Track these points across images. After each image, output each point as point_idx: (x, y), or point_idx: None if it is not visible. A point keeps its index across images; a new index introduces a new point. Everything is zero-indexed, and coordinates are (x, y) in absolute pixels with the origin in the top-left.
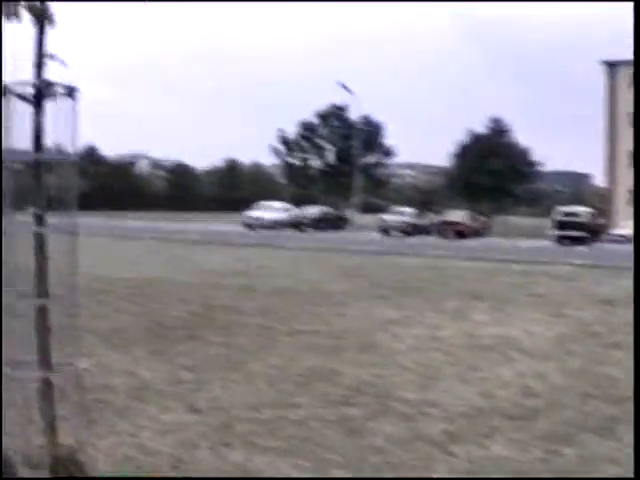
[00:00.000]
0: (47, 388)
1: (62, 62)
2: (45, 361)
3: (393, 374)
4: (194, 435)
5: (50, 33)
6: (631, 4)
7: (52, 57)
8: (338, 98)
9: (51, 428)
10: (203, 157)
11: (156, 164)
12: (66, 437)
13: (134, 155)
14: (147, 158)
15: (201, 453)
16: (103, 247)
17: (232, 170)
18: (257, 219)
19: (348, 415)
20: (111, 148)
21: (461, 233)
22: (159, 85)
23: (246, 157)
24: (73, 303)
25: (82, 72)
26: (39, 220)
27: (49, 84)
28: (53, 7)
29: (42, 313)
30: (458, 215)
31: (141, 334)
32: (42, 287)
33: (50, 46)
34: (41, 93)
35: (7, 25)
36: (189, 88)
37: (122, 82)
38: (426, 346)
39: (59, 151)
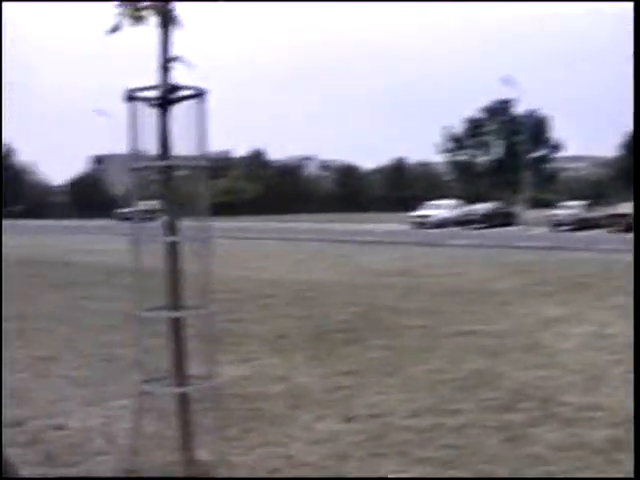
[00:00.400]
0: (183, 402)
1: (188, 64)
2: (181, 375)
3: (557, 376)
4: (346, 445)
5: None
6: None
7: (178, 59)
8: (503, 93)
9: (187, 444)
10: (370, 157)
11: (324, 166)
12: (203, 453)
13: (302, 158)
14: (315, 160)
15: (351, 465)
16: (272, 250)
17: (399, 169)
18: (426, 217)
19: (509, 421)
20: (279, 151)
21: (631, 226)
22: (321, 87)
23: (412, 155)
24: (210, 313)
25: (241, 75)
26: (170, 228)
27: (175, 87)
28: (186, 7)
29: (176, 325)
30: (628, 207)
31: (303, 339)
32: (175, 298)
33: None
34: (167, 97)
35: (131, 29)
36: (351, 89)
37: (286, 85)
38: (592, 345)
39: (188, 156)
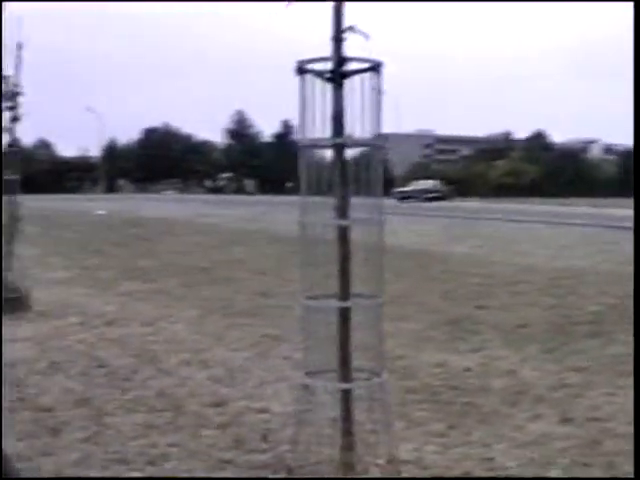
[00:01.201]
0: (347, 400)
1: (364, 35)
2: (346, 370)
3: None
4: (554, 451)
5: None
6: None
7: (353, 29)
8: None
9: (348, 444)
10: None
11: (608, 149)
12: (367, 455)
13: (585, 141)
14: (599, 143)
15: (552, 473)
16: (539, 234)
17: None
18: None
19: None
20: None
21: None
22: (608, 69)
23: None
24: (378, 304)
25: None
26: (341, 210)
27: (349, 60)
28: None
29: (344, 317)
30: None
31: (543, 329)
32: (345, 288)
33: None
34: (341, 70)
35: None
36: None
37: (573, 67)
38: None
39: (362, 136)
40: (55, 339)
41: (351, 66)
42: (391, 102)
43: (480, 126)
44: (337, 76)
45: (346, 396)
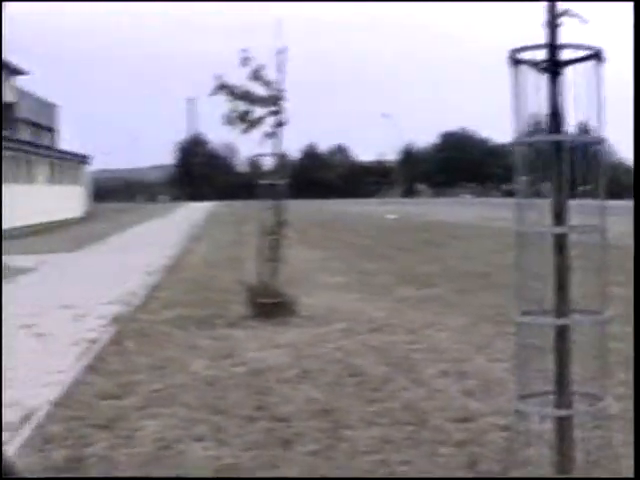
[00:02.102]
0: (564, 428)
1: (582, 19)
2: (563, 395)
3: None
4: None
5: None
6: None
7: (569, 13)
8: None
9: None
10: None
11: None
12: None
13: None
14: None
15: None
16: None
17: None
18: None
19: None
20: None
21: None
22: None
23: None
24: (603, 320)
25: None
26: (558, 215)
27: (566, 46)
28: None
29: (562, 335)
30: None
31: None
32: (562, 303)
33: None
34: (556, 59)
35: None
36: None
37: None
38: None
39: (584, 131)
40: (313, 346)
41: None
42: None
43: None
44: (554, 66)
45: (563, 423)
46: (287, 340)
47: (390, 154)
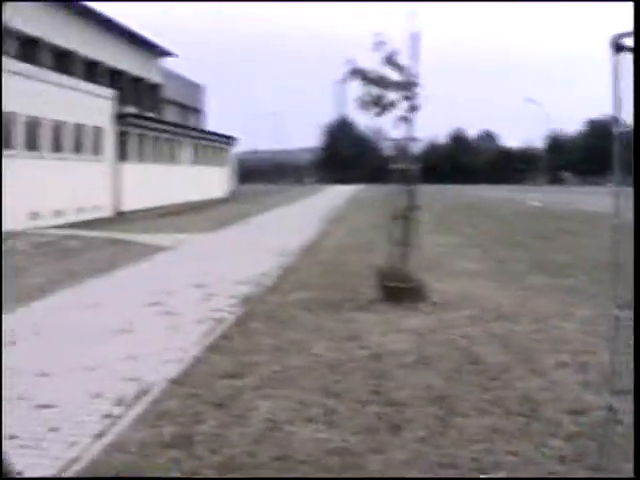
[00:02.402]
0: None
1: None
2: None
3: None
4: None
5: None
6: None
7: None
8: None
9: None
10: None
11: None
12: None
13: None
14: None
15: None
16: None
17: None
18: None
19: None
20: None
21: None
22: None
23: None
24: None
25: None
26: None
27: None
28: None
29: None
30: None
31: None
32: None
33: None
34: None
35: None
36: None
37: None
38: None
39: None
40: (437, 332)
41: None
42: None
43: None
44: None
45: None
46: (412, 325)
47: (537, 141)
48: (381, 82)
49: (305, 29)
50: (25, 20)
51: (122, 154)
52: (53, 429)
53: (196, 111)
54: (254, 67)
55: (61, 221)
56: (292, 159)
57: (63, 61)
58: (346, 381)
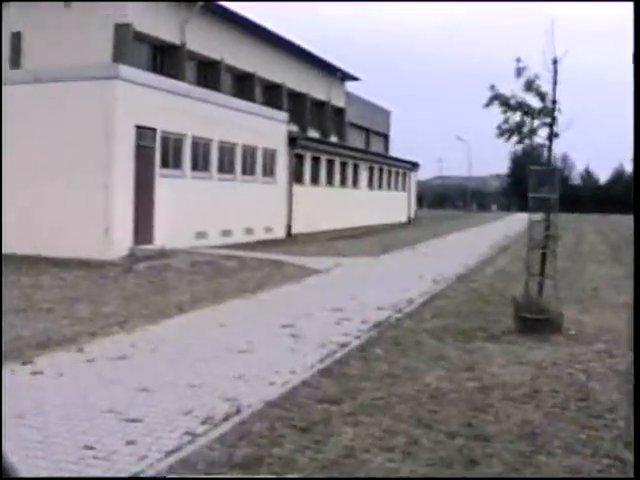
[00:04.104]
0: None
1: None
2: None
3: None
4: None
5: None
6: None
7: None
8: None
9: None
10: None
11: None
12: None
13: None
14: None
15: None
16: None
17: None
18: None
19: None
20: None
21: None
22: None
23: None
24: None
25: None
26: None
27: None
28: None
29: None
30: None
31: None
32: None
33: None
34: None
35: None
36: None
37: None
38: None
39: None
40: (559, 366)
41: None
42: None
43: None
44: None
45: None
46: (536, 358)
47: None
48: (521, 108)
49: (497, 50)
50: (205, 43)
51: (296, 177)
52: (130, 442)
53: (380, 135)
54: (441, 92)
55: (230, 241)
56: (479, 186)
57: (244, 83)
58: (443, 412)
